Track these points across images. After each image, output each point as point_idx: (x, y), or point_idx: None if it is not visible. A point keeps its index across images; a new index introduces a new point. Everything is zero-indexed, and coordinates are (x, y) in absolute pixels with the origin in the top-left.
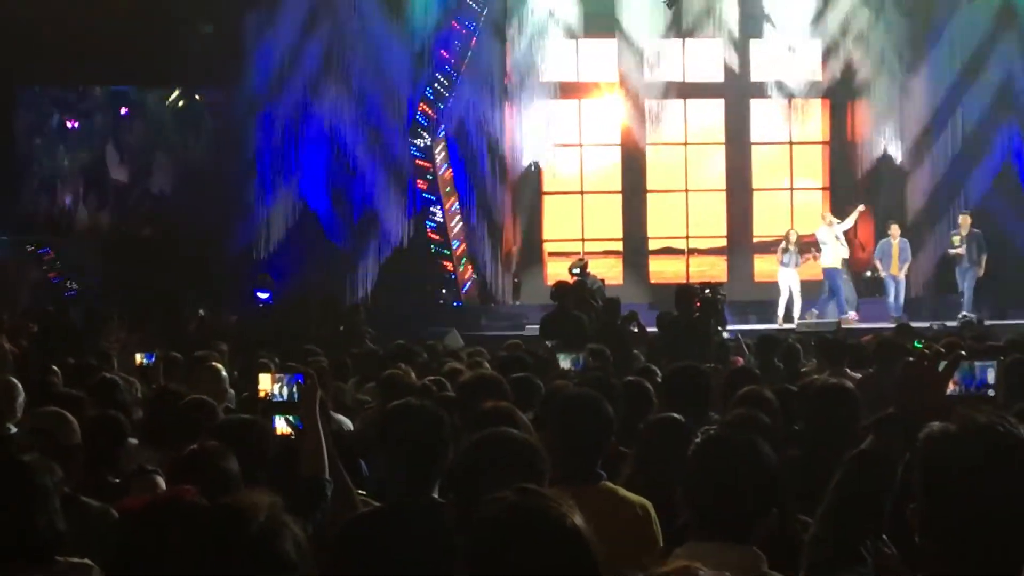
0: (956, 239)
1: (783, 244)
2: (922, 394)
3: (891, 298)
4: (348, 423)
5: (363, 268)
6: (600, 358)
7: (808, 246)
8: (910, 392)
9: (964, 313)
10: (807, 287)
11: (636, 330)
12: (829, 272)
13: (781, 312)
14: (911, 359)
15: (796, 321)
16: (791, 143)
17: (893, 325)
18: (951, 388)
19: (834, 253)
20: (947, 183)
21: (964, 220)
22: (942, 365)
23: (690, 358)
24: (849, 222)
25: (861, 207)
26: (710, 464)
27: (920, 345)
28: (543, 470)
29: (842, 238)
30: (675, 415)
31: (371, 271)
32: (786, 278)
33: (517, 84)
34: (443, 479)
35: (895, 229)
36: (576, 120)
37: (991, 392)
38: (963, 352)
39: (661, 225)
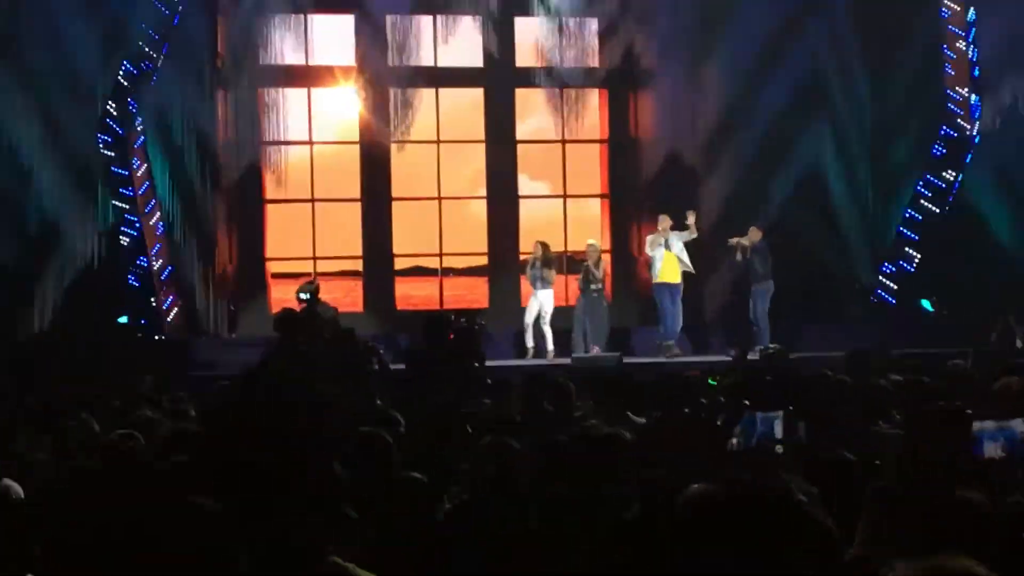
0: (738, 253)
1: (531, 260)
2: (698, 453)
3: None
4: (16, 488)
5: (41, 293)
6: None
7: (555, 261)
8: (684, 451)
9: (765, 345)
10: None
11: (377, 368)
12: (658, 288)
13: (530, 343)
14: (686, 412)
15: (572, 356)
16: (564, 141)
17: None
18: (732, 443)
19: (666, 267)
20: (747, 187)
21: (752, 232)
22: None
23: (443, 401)
24: (686, 235)
25: (692, 214)
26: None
27: (715, 383)
28: None
29: (681, 248)
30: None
31: (52, 296)
32: (533, 301)
33: (231, 68)
34: None
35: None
36: (305, 112)
37: (777, 448)
38: (746, 403)
39: (409, 240)
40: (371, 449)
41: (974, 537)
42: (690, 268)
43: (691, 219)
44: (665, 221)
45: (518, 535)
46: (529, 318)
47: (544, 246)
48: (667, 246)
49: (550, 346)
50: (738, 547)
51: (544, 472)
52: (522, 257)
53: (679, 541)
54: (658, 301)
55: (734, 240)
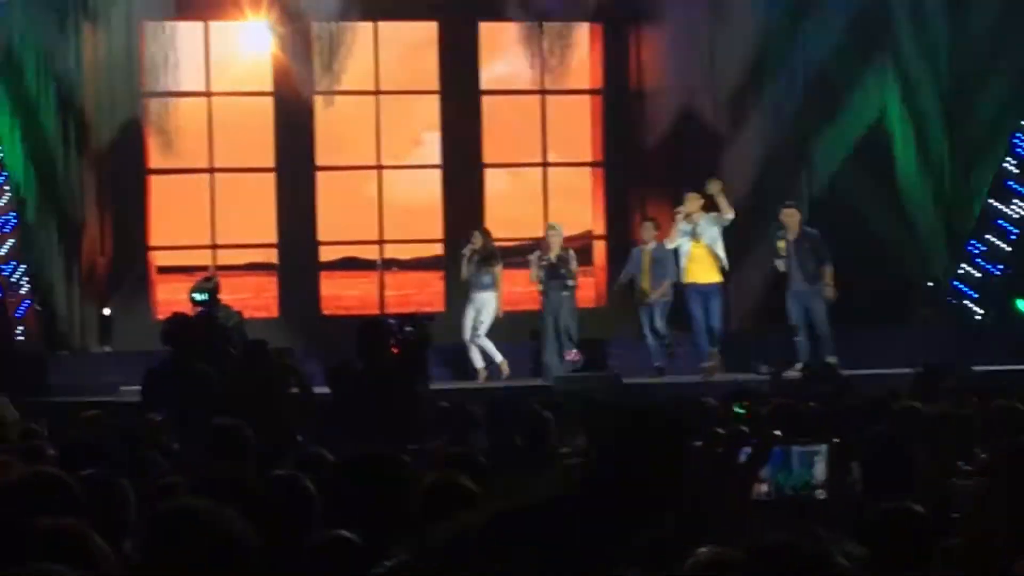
0: (781, 244)
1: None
2: (715, 499)
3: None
4: None
5: None
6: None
7: (499, 255)
8: (697, 496)
9: (802, 362)
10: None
11: (297, 391)
12: (693, 291)
13: (478, 363)
14: (699, 444)
15: (554, 373)
16: (543, 91)
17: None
18: (760, 489)
19: (696, 263)
20: (786, 152)
21: (790, 216)
22: (744, 454)
23: (384, 432)
24: (723, 219)
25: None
26: None
27: (743, 411)
28: None
29: (716, 236)
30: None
31: None
32: (469, 309)
33: None
34: None
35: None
36: (202, 55)
37: (819, 493)
38: (776, 432)
39: (339, 223)
40: (288, 499)
41: None
42: (725, 263)
43: (715, 189)
44: (694, 202)
45: None
46: (467, 332)
47: (485, 235)
48: (696, 235)
49: (497, 358)
50: None
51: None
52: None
53: None
54: (689, 308)
55: (778, 261)
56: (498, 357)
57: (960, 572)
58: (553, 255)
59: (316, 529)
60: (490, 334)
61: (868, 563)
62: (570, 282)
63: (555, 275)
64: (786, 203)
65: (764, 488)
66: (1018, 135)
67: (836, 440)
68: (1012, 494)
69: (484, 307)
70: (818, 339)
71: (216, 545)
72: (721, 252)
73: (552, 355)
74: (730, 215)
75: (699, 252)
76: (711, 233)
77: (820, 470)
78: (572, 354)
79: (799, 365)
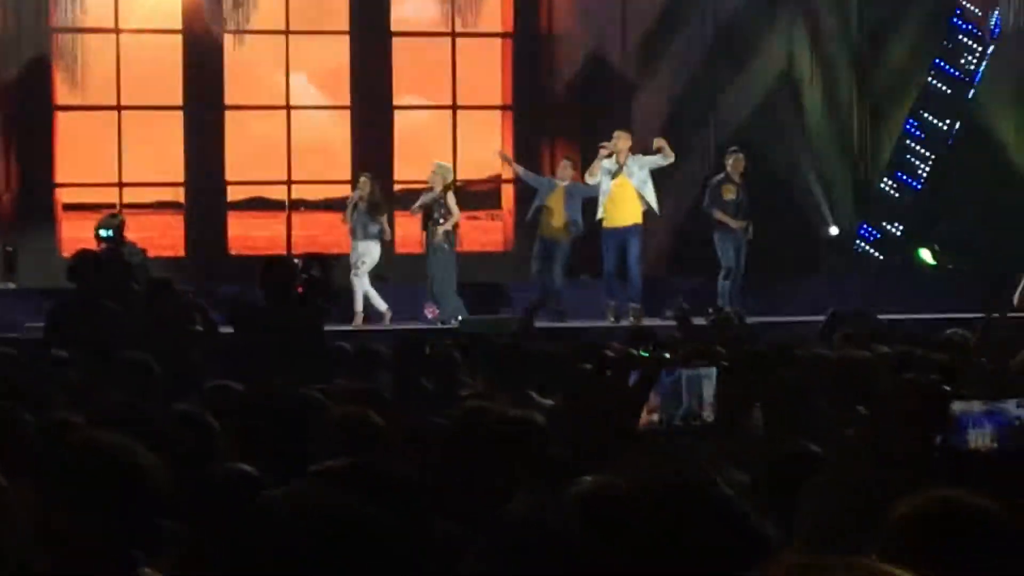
0: (729, 191)
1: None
2: (604, 422)
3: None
4: None
5: None
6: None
7: (384, 204)
8: (585, 419)
9: (718, 305)
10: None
11: (202, 329)
12: (610, 235)
13: (358, 306)
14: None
15: (458, 318)
16: (453, 34)
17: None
18: (651, 418)
19: (619, 204)
20: (695, 99)
21: (737, 162)
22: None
23: (287, 370)
24: (659, 160)
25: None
26: None
27: (645, 355)
28: None
29: (645, 178)
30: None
31: None
32: (352, 254)
33: None
34: None
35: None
36: None
37: (706, 415)
38: (666, 355)
39: (247, 162)
40: (191, 434)
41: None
42: (654, 206)
43: (659, 144)
44: (624, 140)
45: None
46: (359, 277)
47: (371, 183)
48: (623, 175)
49: (381, 306)
50: (641, 554)
51: (415, 464)
52: (396, 187)
53: (570, 548)
54: (602, 252)
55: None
56: (382, 306)
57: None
58: (430, 196)
59: (218, 463)
60: (386, 277)
61: (748, 489)
62: (440, 224)
63: (429, 216)
64: (731, 148)
65: (655, 417)
66: (930, 86)
67: (725, 364)
68: (879, 431)
69: (366, 254)
70: (740, 284)
71: (124, 477)
72: (650, 195)
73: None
74: (670, 159)
75: (620, 192)
76: (640, 175)
77: (709, 392)
78: (430, 308)
79: (710, 309)
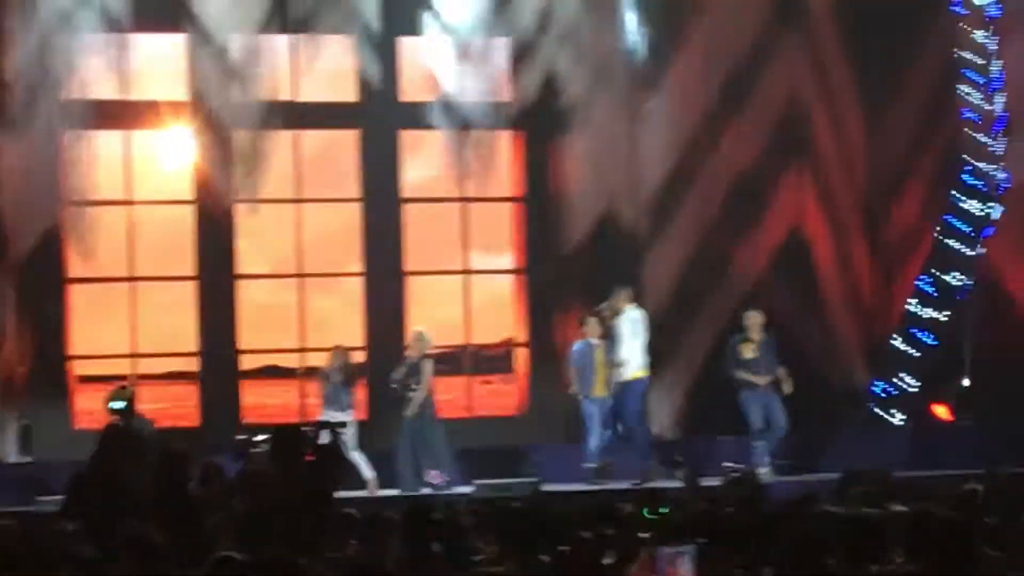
0: (747, 349)
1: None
2: None
3: (593, 437)
4: None
5: None
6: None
7: (355, 372)
8: None
9: (737, 466)
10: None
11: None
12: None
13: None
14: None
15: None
16: (464, 199)
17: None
18: None
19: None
20: (707, 257)
21: (754, 319)
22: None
23: (290, 541)
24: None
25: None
26: None
27: (654, 517)
28: None
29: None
30: None
31: None
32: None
33: (22, 104)
34: None
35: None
36: (122, 162)
37: None
38: (643, 535)
39: (260, 331)
40: None
41: None
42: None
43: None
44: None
45: None
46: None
47: (346, 354)
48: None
49: (367, 474)
50: None
51: None
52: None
53: None
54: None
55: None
56: (369, 474)
57: None
58: (406, 365)
59: None
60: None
61: None
62: (412, 392)
63: (406, 385)
64: (753, 306)
65: None
66: (941, 242)
67: (703, 541)
68: None
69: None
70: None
71: None
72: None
73: (405, 466)
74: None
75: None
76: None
77: (687, 570)
78: (434, 475)
79: (762, 469)
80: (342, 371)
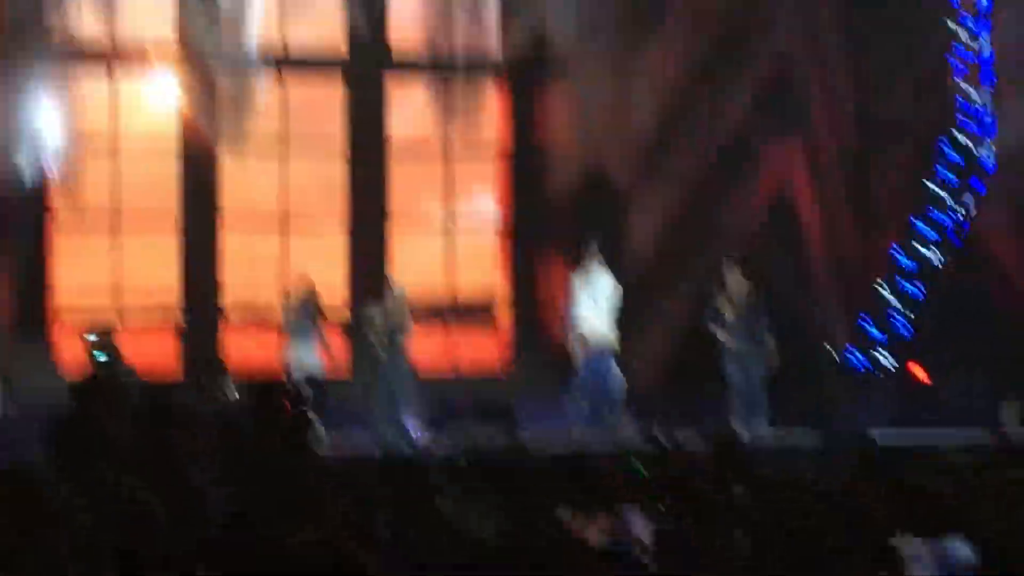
0: (728, 306)
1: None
2: None
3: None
4: None
5: None
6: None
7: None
8: None
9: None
10: None
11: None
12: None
13: None
14: None
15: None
16: (450, 154)
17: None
18: None
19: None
20: (694, 215)
21: (736, 276)
22: None
23: (267, 497)
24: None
25: None
26: None
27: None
28: None
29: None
30: None
31: None
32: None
33: (6, 47)
34: None
35: None
36: (106, 103)
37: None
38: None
39: (242, 274)
40: None
41: None
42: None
43: None
44: None
45: None
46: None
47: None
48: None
49: None
50: None
51: None
52: None
53: None
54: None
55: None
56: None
57: None
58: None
59: None
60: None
61: None
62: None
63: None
64: (731, 260)
65: None
66: (926, 210)
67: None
68: None
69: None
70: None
71: None
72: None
73: (382, 415)
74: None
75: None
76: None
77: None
78: (413, 426)
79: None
80: (307, 305)
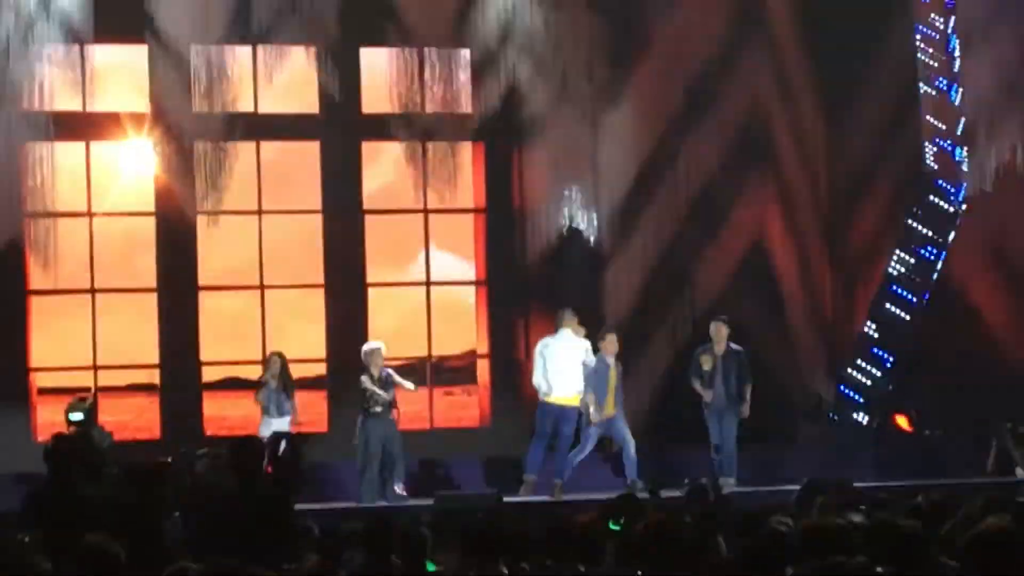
0: (707, 361)
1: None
2: None
3: (583, 452)
4: None
5: None
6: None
7: (292, 384)
8: None
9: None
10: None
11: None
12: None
13: None
14: None
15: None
16: (426, 211)
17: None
18: None
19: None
20: (668, 268)
21: (719, 330)
22: None
23: (257, 551)
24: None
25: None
26: None
27: (617, 527)
28: None
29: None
30: None
31: None
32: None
33: None
34: None
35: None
36: (82, 174)
37: None
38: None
39: (222, 343)
40: None
41: None
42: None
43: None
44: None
45: None
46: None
47: (282, 361)
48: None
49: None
50: None
51: None
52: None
53: None
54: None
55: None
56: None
57: None
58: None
59: None
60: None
61: None
62: (387, 400)
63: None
64: (719, 316)
65: None
66: (900, 253)
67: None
68: None
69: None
70: (722, 456)
71: None
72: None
73: (373, 476)
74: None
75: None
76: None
77: None
78: (401, 488)
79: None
80: (279, 377)
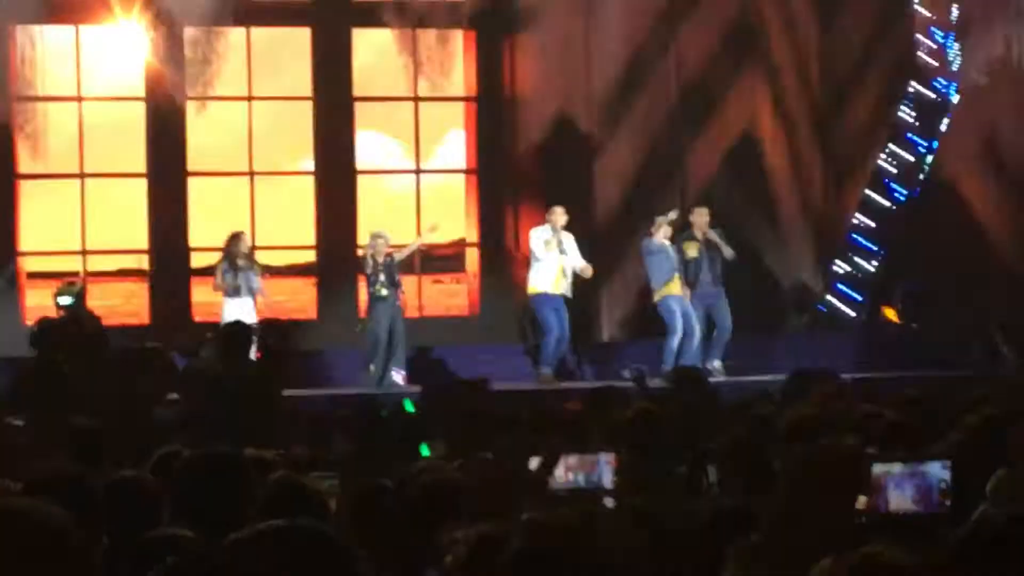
0: (692, 248)
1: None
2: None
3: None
4: None
5: None
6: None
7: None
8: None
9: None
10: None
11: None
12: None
13: None
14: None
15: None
16: (416, 98)
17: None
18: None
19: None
20: (659, 160)
21: (700, 216)
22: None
23: (244, 437)
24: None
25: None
26: None
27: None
28: None
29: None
30: None
31: None
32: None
33: None
34: None
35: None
36: (72, 57)
37: (607, 500)
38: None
39: (211, 228)
40: (132, 499)
41: None
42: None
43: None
44: (560, 215)
45: None
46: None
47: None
48: (561, 249)
49: None
50: None
51: (354, 522)
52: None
53: None
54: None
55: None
56: None
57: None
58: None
59: (158, 528)
60: None
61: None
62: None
63: (392, 282)
64: (699, 205)
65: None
66: (891, 145)
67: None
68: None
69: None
70: (714, 341)
71: (34, 542)
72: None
73: (379, 363)
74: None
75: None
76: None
77: (606, 478)
78: (399, 375)
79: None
80: (246, 256)
